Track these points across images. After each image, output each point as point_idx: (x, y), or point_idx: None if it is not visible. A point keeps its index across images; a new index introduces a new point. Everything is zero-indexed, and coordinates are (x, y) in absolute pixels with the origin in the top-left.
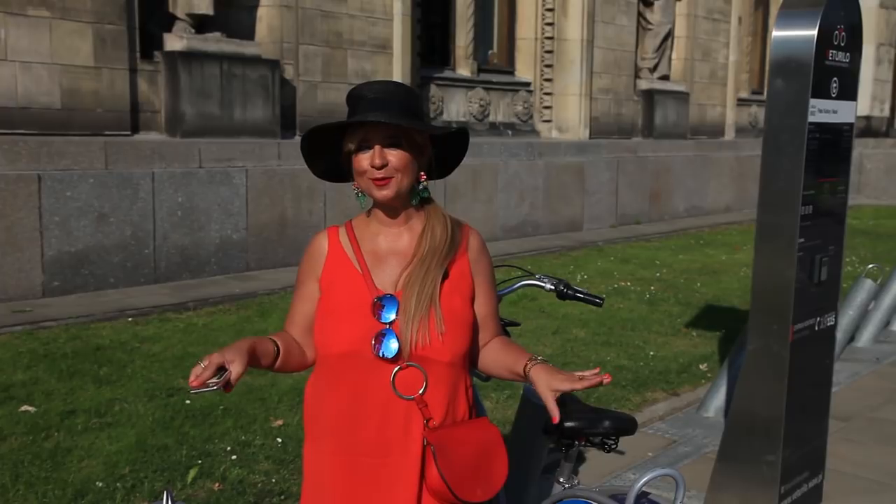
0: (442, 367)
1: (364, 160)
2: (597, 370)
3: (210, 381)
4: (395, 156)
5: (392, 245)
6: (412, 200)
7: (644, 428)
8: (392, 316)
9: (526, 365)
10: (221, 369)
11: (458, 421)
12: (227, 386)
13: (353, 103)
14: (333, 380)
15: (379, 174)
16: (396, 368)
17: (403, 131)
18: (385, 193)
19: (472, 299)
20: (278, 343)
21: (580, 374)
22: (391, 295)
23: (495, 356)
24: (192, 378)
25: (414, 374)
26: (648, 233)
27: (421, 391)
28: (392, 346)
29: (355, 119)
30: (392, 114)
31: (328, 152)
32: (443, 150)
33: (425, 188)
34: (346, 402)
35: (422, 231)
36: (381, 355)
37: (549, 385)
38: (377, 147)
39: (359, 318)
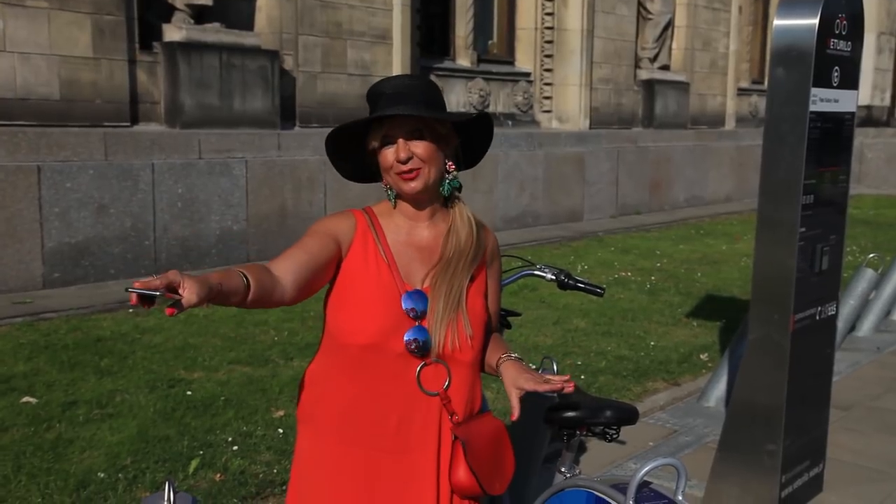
0: (465, 365)
1: (389, 155)
2: (566, 377)
3: (157, 288)
4: (420, 147)
5: (414, 239)
6: (442, 190)
7: (645, 418)
8: (421, 311)
9: (499, 359)
10: (173, 290)
11: (474, 416)
12: (174, 306)
13: (373, 101)
14: (353, 370)
15: (405, 167)
16: (422, 364)
17: (425, 122)
18: (413, 186)
19: (487, 299)
20: (248, 277)
21: (548, 377)
22: (420, 290)
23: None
24: (137, 282)
25: (437, 370)
26: (649, 223)
27: (445, 387)
28: (421, 342)
29: (374, 115)
30: (411, 106)
31: (353, 151)
32: (468, 138)
33: (455, 178)
34: (367, 395)
35: (447, 232)
36: (409, 351)
37: (514, 382)
38: (400, 140)
39: (386, 309)
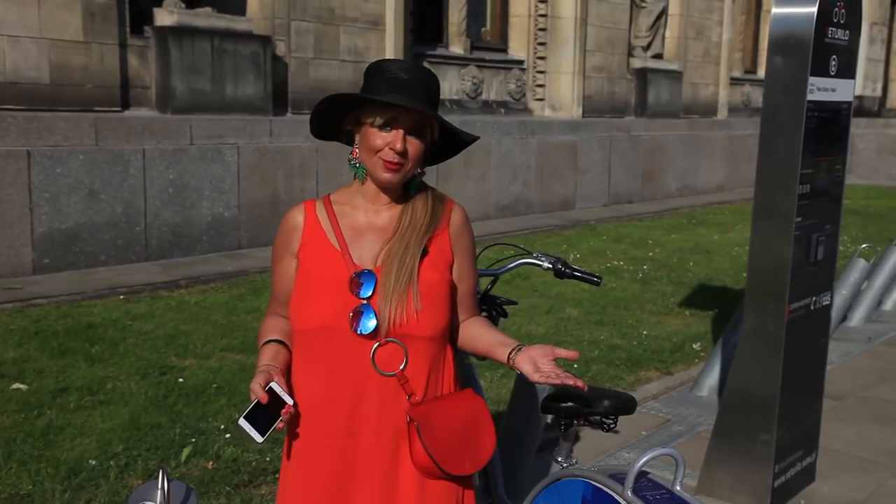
0: (422, 342)
1: (380, 138)
2: (573, 379)
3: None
4: (413, 146)
5: (372, 220)
6: (410, 188)
7: (638, 407)
8: (369, 291)
9: (509, 357)
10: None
11: (442, 395)
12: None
13: (375, 79)
14: (309, 356)
15: (395, 159)
16: (376, 345)
17: (427, 123)
18: (391, 177)
19: (452, 274)
20: (282, 339)
21: (559, 373)
22: (369, 271)
23: (475, 333)
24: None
25: (394, 350)
26: (641, 212)
27: (402, 367)
28: (369, 322)
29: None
30: (424, 102)
31: (331, 112)
32: (440, 141)
33: (421, 177)
34: (324, 380)
35: (402, 206)
36: (358, 331)
37: (535, 370)
38: (402, 132)
39: (335, 293)
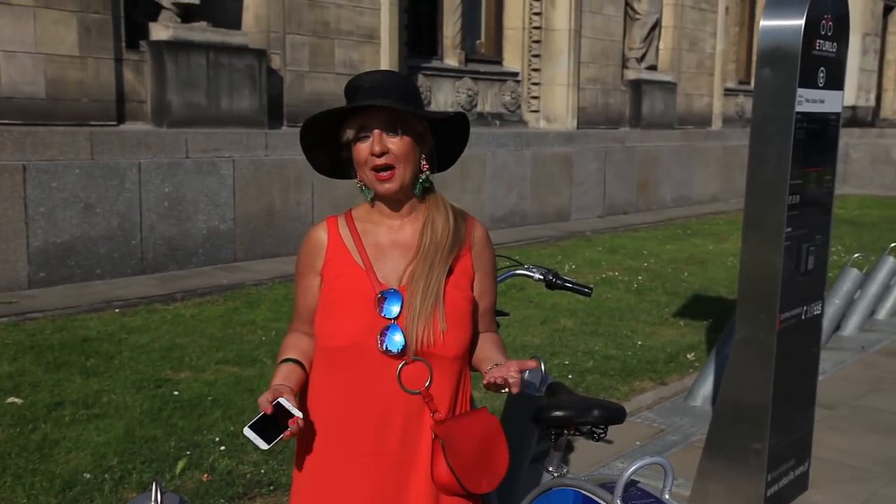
0: (447, 361)
1: (363, 149)
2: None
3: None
4: (394, 143)
5: (394, 237)
6: (415, 191)
7: (632, 417)
8: (396, 311)
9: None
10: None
11: (462, 413)
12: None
13: (350, 94)
14: (334, 373)
15: (380, 161)
16: (402, 363)
17: (402, 118)
18: (388, 187)
19: (474, 292)
20: (299, 359)
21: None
22: (395, 290)
23: (479, 346)
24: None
25: (419, 369)
26: (636, 223)
27: (427, 385)
28: (397, 341)
29: (351, 105)
30: (388, 100)
31: (327, 145)
32: (443, 139)
33: (427, 178)
34: (349, 397)
35: (423, 222)
36: (386, 350)
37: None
38: (377, 132)
39: (362, 312)
